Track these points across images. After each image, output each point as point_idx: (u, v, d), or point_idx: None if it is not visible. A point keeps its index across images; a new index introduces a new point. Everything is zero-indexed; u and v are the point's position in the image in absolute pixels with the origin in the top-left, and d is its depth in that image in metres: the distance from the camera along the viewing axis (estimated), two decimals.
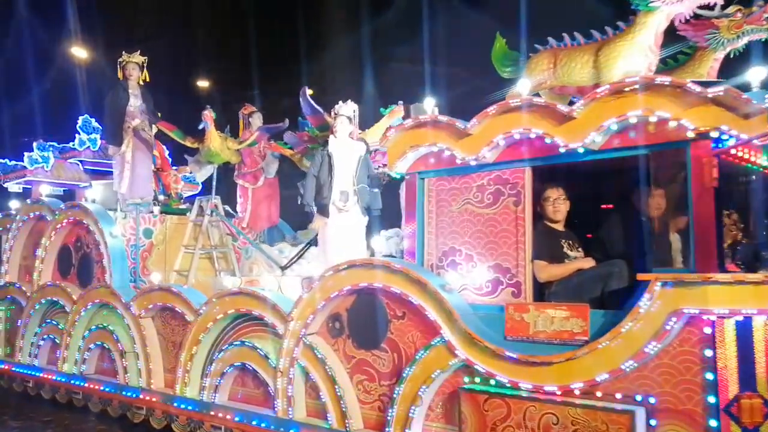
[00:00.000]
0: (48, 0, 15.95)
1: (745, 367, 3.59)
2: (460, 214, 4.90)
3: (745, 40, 4.69)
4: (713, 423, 3.60)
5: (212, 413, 5.97)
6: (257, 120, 8.33)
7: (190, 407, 6.16)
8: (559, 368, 4.06)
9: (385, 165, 7.35)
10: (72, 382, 7.43)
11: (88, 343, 7.32)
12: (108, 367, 7.21)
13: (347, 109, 6.44)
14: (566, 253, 4.70)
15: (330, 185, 6.24)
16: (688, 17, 4.67)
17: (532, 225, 4.60)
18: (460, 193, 4.91)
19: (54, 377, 7.65)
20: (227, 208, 8.47)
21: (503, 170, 4.69)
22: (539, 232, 4.65)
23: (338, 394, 5.13)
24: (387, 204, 6.81)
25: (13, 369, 8.34)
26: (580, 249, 4.80)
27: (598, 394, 3.96)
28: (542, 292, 4.61)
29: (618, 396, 3.90)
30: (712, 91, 3.63)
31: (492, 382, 4.37)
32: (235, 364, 5.88)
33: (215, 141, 7.75)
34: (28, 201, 8.91)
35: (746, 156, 4.07)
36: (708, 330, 3.64)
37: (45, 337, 7.95)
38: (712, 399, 3.61)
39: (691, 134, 3.77)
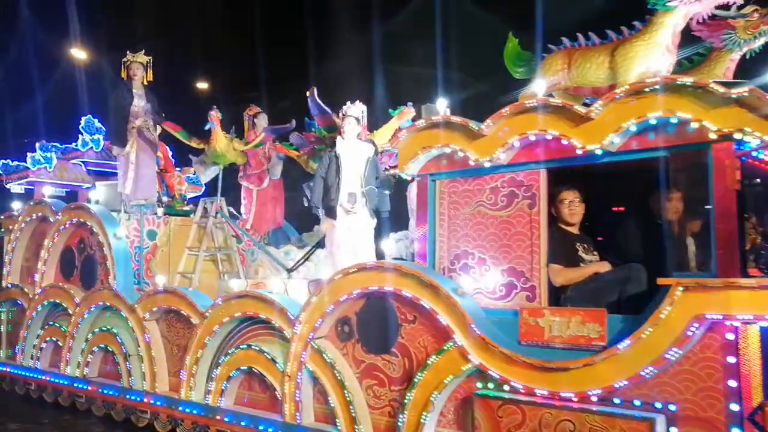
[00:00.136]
0: (51, 1, 15.89)
1: None
2: (472, 217, 4.82)
3: (762, 41, 4.60)
4: (736, 431, 3.52)
5: (218, 417, 5.88)
6: (262, 121, 8.25)
7: (195, 411, 6.08)
8: (577, 374, 3.98)
9: (392, 167, 7.31)
10: (75, 385, 7.35)
11: (92, 346, 7.23)
12: (111, 370, 7.12)
13: (355, 109, 6.36)
14: (581, 257, 4.62)
15: (338, 187, 6.15)
16: (705, 17, 4.59)
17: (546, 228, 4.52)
18: (473, 195, 4.84)
19: (56, 380, 7.56)
20: (231, 209, 8.39)
21: (517, 172, 4.62)
22: (554, 235, 4.57)
23: (347, 399, 5.05)
24: (394, 206, 6.75)
25: (15, 371, 8.25)
26: (595, 252, 4.72)
27: (617, 400, 3.88)
28: (557, 296, 4.53)
29: (637, 403, 3.83)
30: (736, 92, 3.55)
31: (506, 387, 4.28)
32: (242, 367, 5.80)
33: (221, 142, 7.68)
34: (31, 202, 8.82)
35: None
36: (731, 336, 3.57)
37: (47, 339, 7.86)
38: (735, 407, 3.54)
39: (713, 136, 3.69)
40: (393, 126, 7.16)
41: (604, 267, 4.52)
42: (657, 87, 3.84)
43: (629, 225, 4.70)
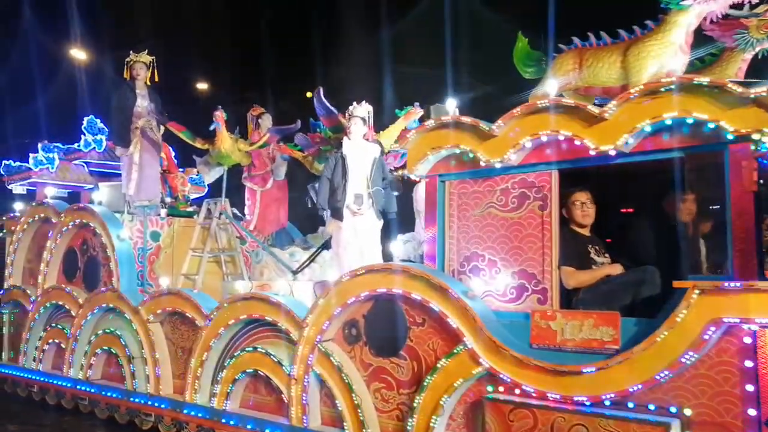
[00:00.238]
0: (53, 1, 15.85)
1: None
2: (482, 219, 4.77)
3: None
4: None
5: (223, 421, 5.83)
6: (267, 121, 8.17)
7: (200, 414, 6.01)
8: (590, 378, 3.93)
9: (398, 168, 7.26)
10: (78, 387, 7.28)
11: (95, 348, 7.17)
12: (115, 372, 7.06)
13: (362, 110, 6.29)
14: (593, 259, 4.57)
15: (344, 188, 6.09)
16: (718, 17, 4.54)
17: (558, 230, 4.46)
18: (483, 196, 4.78)
19: (59, 382, 7.50)
20: (235, 210, 8.33)
21: (529, 173, 4.56)
22: (565, 237, 4.52)
23: (355, 402, 4.99)
24: (401, 207, 6.69)
25: (17, 374, 8.19)
26: (606, 255, 4.67)
27: (631, 405, 3.83)
28: (569, 299, 4.47)
29: (652, 407, 3.77)
30: (755, 91, 3.49)
31: (517, 391, 4.23)
32: (247, 370, 5.74)
33: (226, 142, 7.61)
34: (33, 203, 8.76)
35: None
36: (748, 340, 3.51)
37: (50, 341, 7.80)
38: (752, 412, 3.48)
39: (730, 136, 3.64)
40: (399, 126, 7.10)
41: (617, 269, 4.47)
42: (672, 87, 3.79)
43: (642, 227, 4.65)
